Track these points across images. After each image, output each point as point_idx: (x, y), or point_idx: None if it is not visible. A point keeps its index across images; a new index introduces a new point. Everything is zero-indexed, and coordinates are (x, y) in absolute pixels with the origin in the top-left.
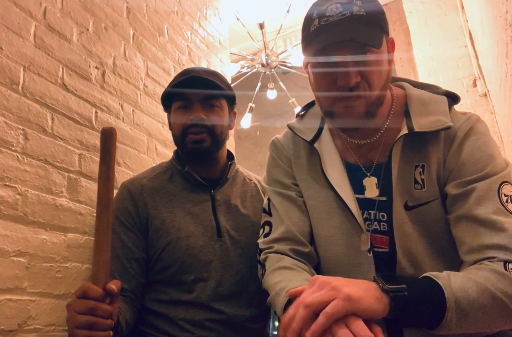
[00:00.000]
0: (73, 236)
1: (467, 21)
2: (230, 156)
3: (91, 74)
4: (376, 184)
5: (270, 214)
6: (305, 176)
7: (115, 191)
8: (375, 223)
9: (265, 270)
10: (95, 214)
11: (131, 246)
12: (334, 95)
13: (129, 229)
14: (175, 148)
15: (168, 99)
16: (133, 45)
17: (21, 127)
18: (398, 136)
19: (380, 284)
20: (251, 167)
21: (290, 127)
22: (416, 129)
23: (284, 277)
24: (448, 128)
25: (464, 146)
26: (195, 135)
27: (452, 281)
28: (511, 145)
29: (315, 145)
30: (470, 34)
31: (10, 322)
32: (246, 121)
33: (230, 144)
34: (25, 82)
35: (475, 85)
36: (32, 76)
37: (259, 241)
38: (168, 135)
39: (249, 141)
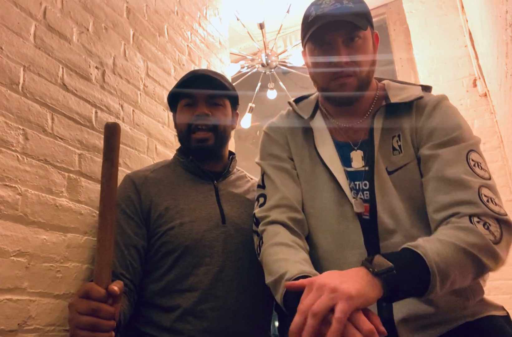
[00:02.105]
0: (73, 236)
1: (467, 21)
2: (230, 154)
3: (91, 74)
4: (362, 157)
5: (263, 187)
6: (300, 151)
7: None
8: (360, 193)
9: (262, 242)
10: (95, 214)
11: (131, 233)
12: (329, 74)
13: (130, 217)
14: (175, 148)
15: (174, 99)
16: (133, 45)
17: (21, 127)
18: (378, 107)
19: (370, 269)
20: (251, 167)
21: (290, 104)
22: (392, 101)
23: (282, 256)
24: (420, 98)
25: (434, 113)
26: (199, 133)
27: (428, 248)
28: (511, 145)
29: (310, 123)
30: (470, 34)
31: (10, 322)
32: (246, 121)
33: (230, 144)
34: (25, 82)
35: (475, 85)
36: (32, 76)
37: (255, 211)
38: (168, 135)
39: (249, 141)
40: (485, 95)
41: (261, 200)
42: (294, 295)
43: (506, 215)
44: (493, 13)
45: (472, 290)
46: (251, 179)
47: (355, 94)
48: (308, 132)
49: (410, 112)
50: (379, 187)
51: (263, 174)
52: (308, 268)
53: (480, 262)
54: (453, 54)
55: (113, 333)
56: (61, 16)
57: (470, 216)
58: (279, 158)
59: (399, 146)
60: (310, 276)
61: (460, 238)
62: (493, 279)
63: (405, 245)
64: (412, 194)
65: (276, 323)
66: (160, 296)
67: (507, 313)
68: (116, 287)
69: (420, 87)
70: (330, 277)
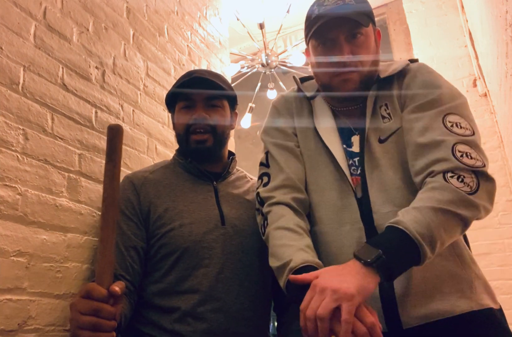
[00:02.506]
0: (73, 236)
1: (467, 21)
2: (230, 154)
3: (91, 74)
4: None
5: (267, 166)
6: (304, 128)
7: None
8: (358, 168)
9: (267, 223)
10: (95, 214)
11: (130, 234)
12: (331, 71)
13: (129, 218)
14: (175, 148)
15: (172, 100)
16: (133, 45)
17: (21, 127)
18: (371, 88)
19: (362, 261)
20: (251, 167)
21: (295, 79)
22: (382, 76)
23: (286, 242)
24: (407, 65)
25: (415, 78)
26: (198, 134)
27: (407, 220)
28: (511, 145)
29: (312, 102)
30: (470, 34)
31: (10, 322)
32: (246, 121)
33: (230, 144)
34: (25, 82)
35: (475, 85)
36: (32, 76)
37: (259, 190)
38: (168, 135)
39: (249, 141)
40: (485, 95)
41: (265, 179)
42: (296, 285)
43: (483, 166)
44: (493, 13)
45: (461, 259)
46: (251, 179)
47: (361, 93)
48: (311, 110)
49: (393, 82)
50: (368, 161)
51: (267, 152)
52: (311, 256)
53: (460, 215)
54: (453, 54)
55: (114, 334)
56: (61, 16)
57: (444, 173)
58: (283, 133)
59: (388, 114)
60: (312, 266)
61: (435, 198)
62: (493, 279)
63: (387, 223)
64: (401, 159)
65: (275, 323)
66: (159, 297)
67: (500, 306)
68: (117, 287)
69: (407, 61)
70: (330, 278)
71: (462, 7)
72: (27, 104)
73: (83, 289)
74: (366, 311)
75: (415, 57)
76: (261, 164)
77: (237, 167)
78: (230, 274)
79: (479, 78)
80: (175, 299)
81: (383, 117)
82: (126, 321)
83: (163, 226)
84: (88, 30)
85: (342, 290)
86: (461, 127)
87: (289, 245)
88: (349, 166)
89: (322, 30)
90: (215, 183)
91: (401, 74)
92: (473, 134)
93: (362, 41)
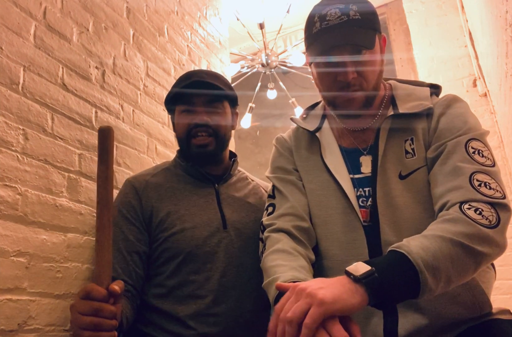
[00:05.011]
0: (73, 236)
1: (467, 21)
2: (232, 155)
3: (91, 74)
4: (371, 161)
5: (273, 197)
6: (304, 163)
7: (116, 191)
8: (369, 199)
9: (265, 249)
10: (95, 214)
11: (133, 239)
12: (335, 89)
13: (132, 223)
14: (175, 148)
15: (172, 103)
16: (133, 45)
17: (21, 127)
18: (385, 118)
19: (351, 276)
20: (251, 167)
21: (293, 120)
22: (401, 110)
23: (280, 263)
24: (429, 109)
25: (442, 117)
26: (199, 138)
27: (412, 245)
28: (511, 145)
29: (317, 134)
30: (470, 34)
31: (10, 322)
32: (246, 121)
33: (230, 144)
34: (25, 82)
35: (475, 85)
36: (32, 76)
37: (263, 219)
38: (168, 135)
39: (249, 141)
40: (485, 95)
41: (270, 209)
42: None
43: (503, 198)
44: (493, 13)
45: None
46: (252, 181)
47: (363, 112)
48: (314, 144)
49: (421, 118)
50: (383, 194)
51: (273, 185)
52: (303, 275)
53: (472, 250)
54: (453, 54)
55: (116, 333)
56: (61, 16)
57: (461, 204)
58: (285, 170)
59: (412, 149)
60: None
61: (446, 229)
62: None
63: (389, 248)
64: (422, 198)
65: None
66: (162, 301)
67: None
68: (117, 286)
69: (428, 89)
70: (312, 283)
71: (462, 7)
72: (27, 104)
73: (82, 290)
74: (338, 326)
75: (415, 57)
76: (268, 196)
77: (238, 168)
78: (232, 278)
79: (479, 78)
80: (177, 303)
81: (407, 152)
82: (129, 324)
83: (165, 230)
84: (88, 30)
85: (316, 295)
86: (482, 156)
87: (281, 265)
88: (357, 197)
89: (325, 50)
90: (216, 185)
91: (429, 112)
92: (494, 165)
93: (367, 57)
